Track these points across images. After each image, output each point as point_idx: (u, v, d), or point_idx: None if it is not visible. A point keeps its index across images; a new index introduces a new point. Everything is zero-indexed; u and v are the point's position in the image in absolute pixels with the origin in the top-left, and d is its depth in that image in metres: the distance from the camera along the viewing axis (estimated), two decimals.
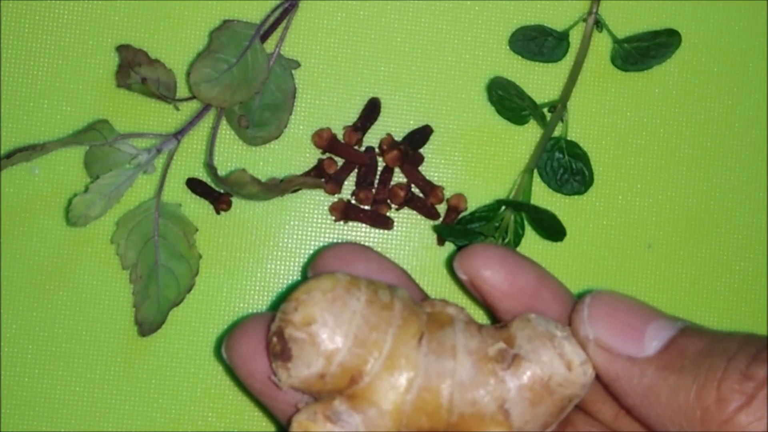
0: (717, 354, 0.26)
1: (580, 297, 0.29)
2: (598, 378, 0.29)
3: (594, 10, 0.46)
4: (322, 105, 0.46)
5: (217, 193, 0.46)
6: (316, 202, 0.46)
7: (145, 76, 0.44)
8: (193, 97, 0.44)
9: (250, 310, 0.46)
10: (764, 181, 0.48)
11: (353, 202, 0.46)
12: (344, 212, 0.46)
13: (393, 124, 0.47)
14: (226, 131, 0.46)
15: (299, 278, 0.46)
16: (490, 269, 0.30)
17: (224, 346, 0.31)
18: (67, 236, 0.45)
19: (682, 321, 0.28)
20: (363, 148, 0.46)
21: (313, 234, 0.46)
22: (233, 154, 0.46)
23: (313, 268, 0.31)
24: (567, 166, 0.46)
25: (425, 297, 0.32)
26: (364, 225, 0.46)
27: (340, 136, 0.46)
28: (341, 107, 0.46)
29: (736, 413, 0.25)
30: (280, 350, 0.28)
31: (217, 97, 0.43)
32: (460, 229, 0.45)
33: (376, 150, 0.46)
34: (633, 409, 0.28)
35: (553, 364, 0.28)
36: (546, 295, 0.30)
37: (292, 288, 0.29)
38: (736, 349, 0.26)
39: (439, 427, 0.28)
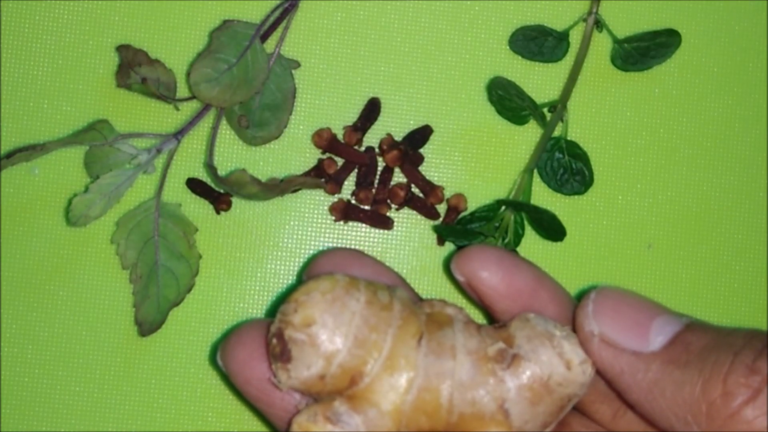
0: (723, 349, 0.26)
1: (580, 296, 0.30)
2: (602, 374, 0.29)
3: (594, 10, 0.46)
4: (322, 105, 0.46)
5: (217, 193, 0.46)
6: (316, 202, 0.46)
7: (145, 76, 0.44)
8: (193, 97, 0.44)
9: (250, 311, 0.46)
10: (764, 181, 0.48)
11: (353, 202, 0.46)
12: (344, 212, 0.46)
13: (393, 124, 0.47)
14: (226, 131, 0.46)
15: (299, 279, 0.46)
16: (487, 270, 0.30)
17: (219, 353, 0.31)
18: (67, 236, 0.45)
19: (687, 317, 0.28)
20: (363, 148, 0.46)
21: (313, 234, 0.46)
22: (233, 154, 0.46)
23: (309, 273, 0.31)
24: (567, 166, 0.46)
25: (420, 301, 0.32)
26: (364, 225, 0.46)
27: (340, 136, 0.46)
28: (341, 107, 0.46)
29: (742, 407, 0.25)
30: (279, 351, 0.28)
31: (217, 97, 0.43)
32: (460, 229, 0.45)
33: (376, 150, 0.46)
34: (637, 405, 0.28)
35: (552, 364, 0.28)
36: (543, 295, 0.30)
37: (290, 290, 0.29)
38: (741, 344, 0.26)
39: (439, 427, 0.28)
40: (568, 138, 0.46)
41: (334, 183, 0.46)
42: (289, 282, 0.46)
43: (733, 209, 0.48)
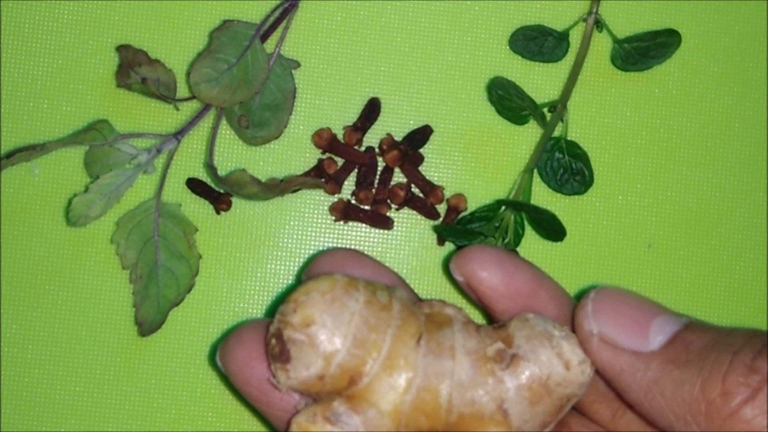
0: (722, 348, 0.26)
1: (580, 296, 0.30)
2: (601, 373, 0.29)
3: (594, 10, 0.46)
4: (322, 105, 0.46)
5: (217, 193, 0.46)
6: (316, 202, 0.46)
7: (145, 76, 0.44)
8: (193, 97, 0.44)
9: (250, 311, 0.46)
10: (764, 181, 0.48)
11: (353, 202, 0.46)
12: (344, 212, 0.46)
13: (393, 124, 0.47)
14: (226, 131, 0.46)
15: (298, 279, 0.46)
16: (486, 271, 0.30)
17: (219, 353, 0.31)
18: (67, 236, 0.45)
19: (686, 316, 0.28)
20: (363, 148, 0.46)
21: (313, 234, 0.46)
22: (233, 154, 0.46)
23: (308, 273, 0.31)
24: (567, 166, 0.46)
25: (420, 301, 0.32)
26: (364, 225, 0.46)
27: (340, 136, 0.46)
28: (341, 107, 0.46)
29: (741, 406, 0.25)
30: (278, 352, 0.28)
31: (217, 97, 0.43)
32: (460, 229, 0.45)
33: (376, 150, 0.46)
34: (637, 404, 0.28)
35: (551, 364, 0.28)
36: (542, 295, 0.30)
37: (290, 290, 0.29)
38: (741, 343, 0.26)
39: (438, 427, 0.28)
40: (568, 138, 0.46)
41: (334, 183, 0.46)
42: (289, 282, 0.46)
43: (733, 209, 0.48)
